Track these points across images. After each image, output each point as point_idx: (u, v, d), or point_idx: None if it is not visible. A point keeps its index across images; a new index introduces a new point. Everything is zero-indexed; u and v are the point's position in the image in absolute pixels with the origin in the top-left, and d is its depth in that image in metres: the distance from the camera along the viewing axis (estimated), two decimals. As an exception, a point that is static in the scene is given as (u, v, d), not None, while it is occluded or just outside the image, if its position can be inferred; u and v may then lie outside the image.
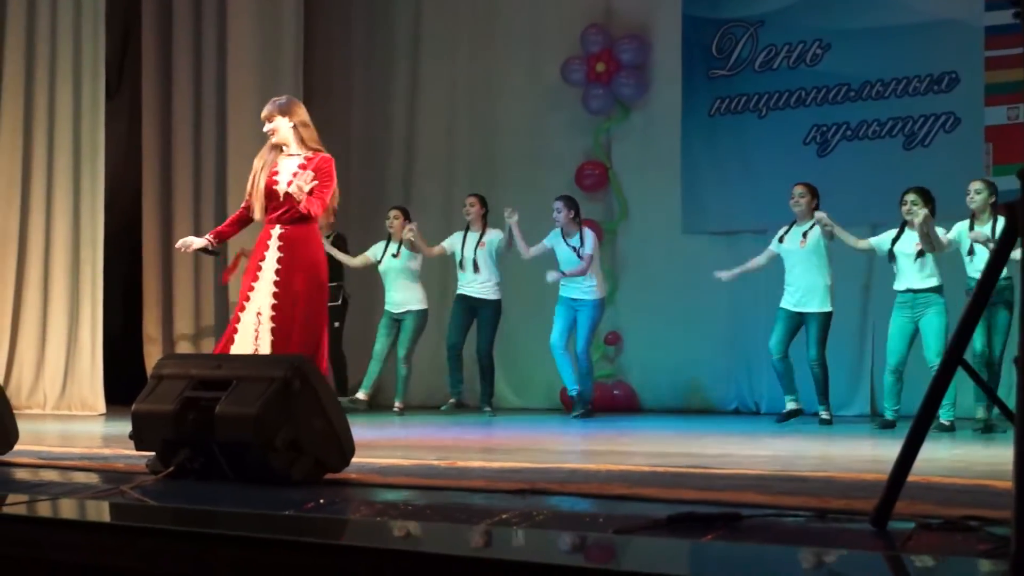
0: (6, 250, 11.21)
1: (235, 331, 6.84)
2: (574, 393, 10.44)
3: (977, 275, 8.58)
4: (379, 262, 11.06)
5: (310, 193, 6.82)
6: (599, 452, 6.89)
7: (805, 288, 9.54)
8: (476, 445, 7.29)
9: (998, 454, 6.30)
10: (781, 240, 9.71)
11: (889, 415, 8.93)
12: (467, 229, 10.91)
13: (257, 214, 7.01)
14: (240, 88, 12.03)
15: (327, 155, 7.08)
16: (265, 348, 6.72)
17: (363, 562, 3.10)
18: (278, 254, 6.86)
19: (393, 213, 11.04)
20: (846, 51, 11.10)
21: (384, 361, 11.02)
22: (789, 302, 9.63)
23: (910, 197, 8.97)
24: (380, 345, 11.02)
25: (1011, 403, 2.78)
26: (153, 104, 12.47)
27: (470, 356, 11.03)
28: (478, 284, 10.81)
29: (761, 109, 11.51)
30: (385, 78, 13.25)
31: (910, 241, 8.97)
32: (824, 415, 9.48)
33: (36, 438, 6.69)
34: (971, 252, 8.74)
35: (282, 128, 7.00)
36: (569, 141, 12.30)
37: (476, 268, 10.75)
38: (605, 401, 11.13)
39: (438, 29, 13.03)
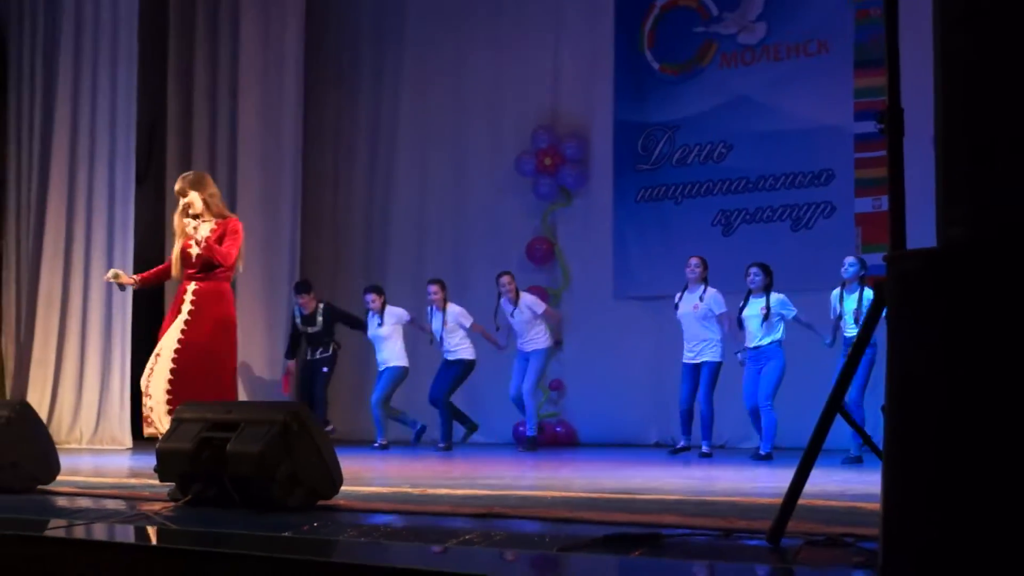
0: (51, 309, 11.21)
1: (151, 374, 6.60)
2: (533, 434, 10.41)
3: (845, 333, 8.74)
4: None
5: (219, 244, 6.62)
6: (545, 481, 6.87)
7: (700, 342, 9.54)
8: (442, 475, 7.26)
9: (869, 480, 6.33)
10: (676, 306, 9.74)
11: (765, 450, 8.93)
12: (432, 311, 10.83)
13: (175, 272, 6.78)
14: (247, 179, 12.08)
15: (234, 217, 6.88)
16: (157, 385, 6.48)
17: (350, 576, 3.09)
18: (190, 307, 6.62)
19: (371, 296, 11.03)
20: (746, 150, 11.22)
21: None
22: (688, 356, 9.63)
23: (753, 269, 9.14)
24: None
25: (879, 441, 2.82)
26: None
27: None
28: (450, 352, 10.76)
29: (677, 197, 11.60)
30: (368, 164, 13.27)
31: (756, 306, 9.07)
32: (705, 449, 9.38)
33: (73, 470, 6.61)
34: (839, 317, 8.86)
35: (196, 201, 6.72)
36: (521, 221, 12.34)
37: (442, 342, 10.74)
38: (549, 437, 11.12)
39: (413, 123, 13.06)
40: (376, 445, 10.70)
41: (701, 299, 9.54)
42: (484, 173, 12.63)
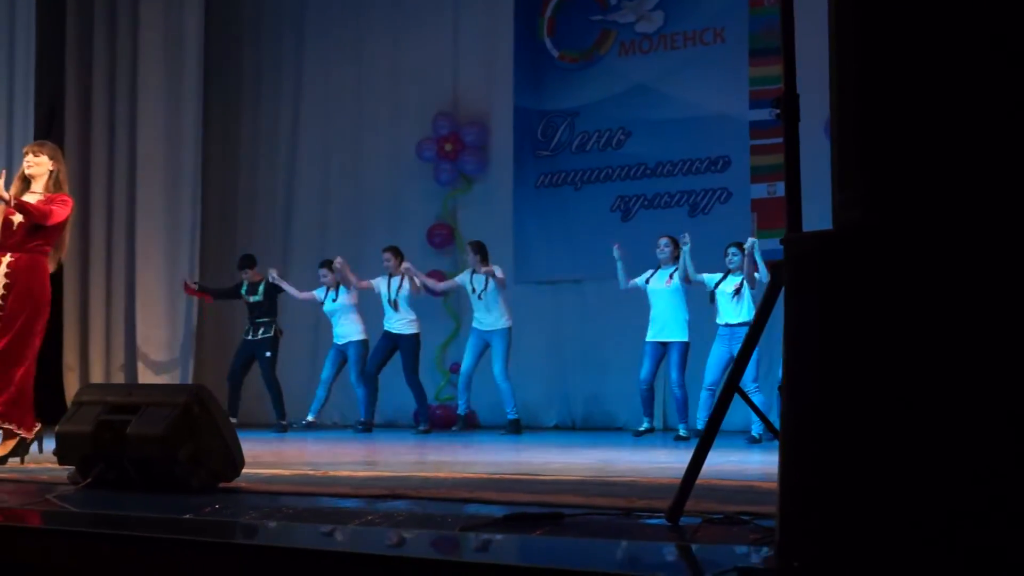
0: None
1: None
2: (513, 416, 10.26)
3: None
4: (322, 303, 10.94)
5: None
6: (446, 462, 6.85)
7: (667, 321, 9.43)
8: (345, 457, 7.21)
9: (764, 460, 6.42)
10: (647, 281, 9.60)
11: (700, 426, 8.78)
12: (389, 276, 10.68)
13: None
14: (148, 161, 11.86)
15: (67, 196, 6.43)
16: None
17: (252, 557, 3.04)
18: (5, 280, 6.23)
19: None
20: (644, 137, 11.26)
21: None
22: (655, 335, 9.47)
23: (731, 249, 9.14)
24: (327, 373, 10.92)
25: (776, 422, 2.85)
26: (74, 170, 12.14)
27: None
28: (398, 322, 10.60)
29: (577, 183, 11.61)
30: (271, 149, 13.10)
31: (731, 284, 9.05)
32: (682, 432, 9.16)
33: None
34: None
35: (43, 165, 6.35)
36: (422, 206, 12.25)
37: (396, 307, 10.56)
38: (449, 420, 11.08)
39: (315, 108, 12.89)
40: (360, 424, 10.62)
41: (672, 276, 9.44)
42: (385, 159, 12.51)
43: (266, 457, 6.65)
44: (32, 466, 5.96)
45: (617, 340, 10.90)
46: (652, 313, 9.53)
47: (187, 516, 3.70)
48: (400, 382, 10.81)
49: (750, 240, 9.07)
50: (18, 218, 6.23)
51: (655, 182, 11.17)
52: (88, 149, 12.11)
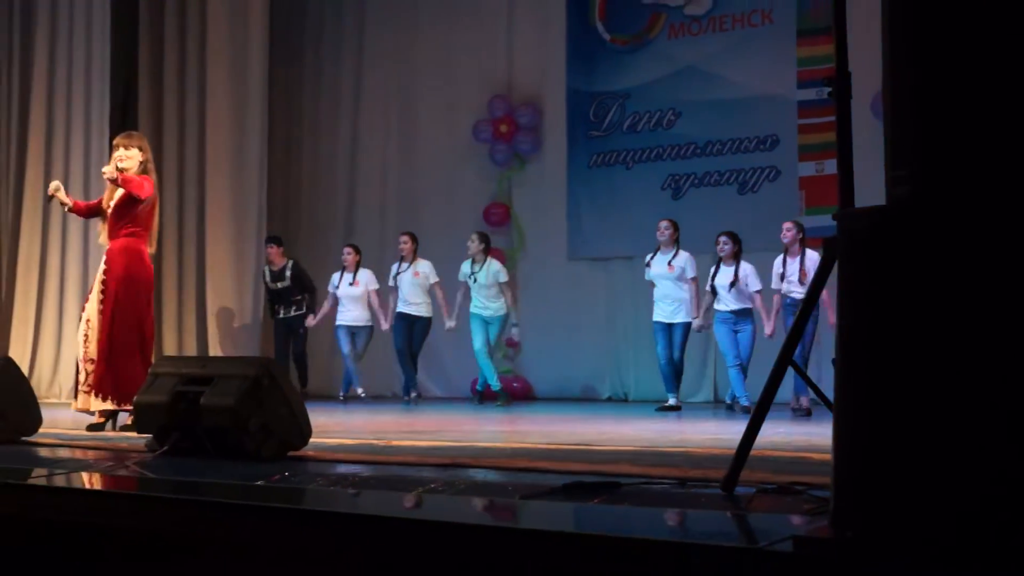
0: (30, 270, 11.26)
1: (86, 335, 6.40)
2: (497, 388, 10.28)
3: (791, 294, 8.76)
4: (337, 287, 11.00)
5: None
6: (504, 433, 6.86)
7: (674, 302, 9.36)
8: (406, 427, 7.23)
9: (816, 431, 6.36)
10: (648, 265, 9.52)
11: (743, 401, 8.79)
12: (401, 261, 10.72)
13: (100, 232, 6.60)
14: (216, 146, 11.95)
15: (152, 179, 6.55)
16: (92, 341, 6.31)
17: (320, 523, 3.05)
18: (104, 266, 6.41)
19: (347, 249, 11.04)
20: (693, 118, 11.18)
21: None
22: (661, 315, 9.40)
23: (722, 238, 9.06)
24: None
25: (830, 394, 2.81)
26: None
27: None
28: (412, 305, 10.62)
29: (628, 162, 11.55)
30: (332, 134, 13.15)
31: (724, 274, 9.01)
32: (672, 402, 9.21)
33: (53, 423, 6.50)
34: (783, 279, 8.85)
35: (134, 158, 6.48)
36: (478, 186, 12.26)
37: (402, 294, 10.58)
38: (507, 392, 11.07)
39: (375, 94, 12.93)
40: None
41: (672, 262, 9.35)
42: (443, 140, 12.51)
43: (332, 427, 6.69)
44: (112, 434, 6.05)
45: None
46: (655, 294, 9.45)
47: (258, 483, 3.73)
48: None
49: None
50: (112, 205, 6.43)
51: (705, 161, 11.10)
52: (160, 140, 12.20)
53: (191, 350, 11.92)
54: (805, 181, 10.51)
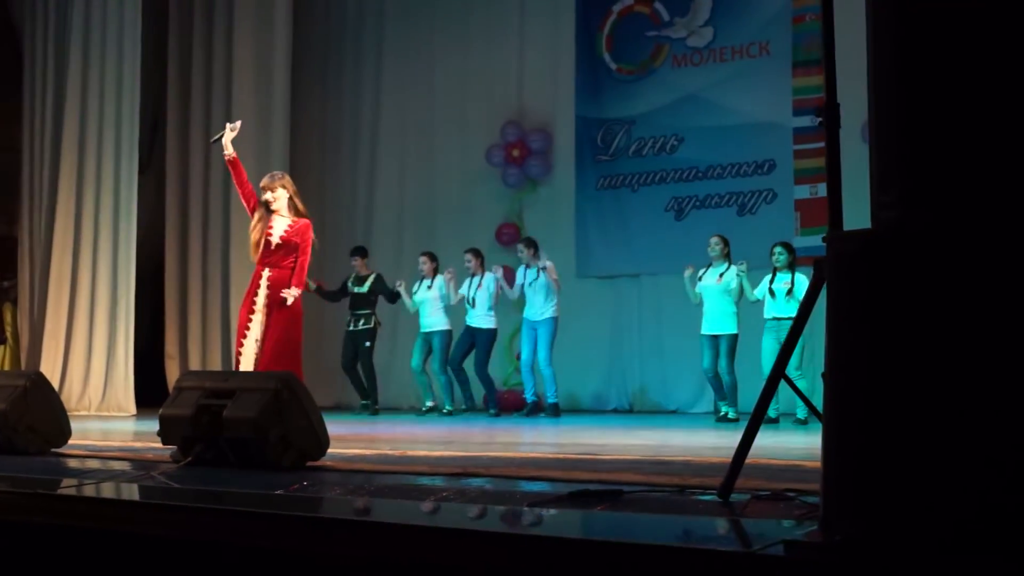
0: (61, 286, 11.19)
1: (240, 354, 6.73)
2: (553, 400, 10.23)
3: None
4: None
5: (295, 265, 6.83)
6: (514, 443, 6.86)
7: (717, 315, 9.22)
8: (421, 438, 7.24)
9: (808, 441, 6.36)
10: (700, 279, 9.37)
11: (772, 413, 8.58)
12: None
13: (252, 254, 6.94)
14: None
15: (307, 220, 7.06)
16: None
17: (337, 530, 3.07)
18: (267, 291, 6.77)
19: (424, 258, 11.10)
20: (695, 143, 11.23)
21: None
22: (709, 328, 9.24)
23: (777, 249, 8.99)
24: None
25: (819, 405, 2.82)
26: (174, 177, 12.43)
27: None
28: (476, 317, 10.65)
29: (634, 185, 11.59)
30: (352, 159, 13.22)
31: (781, 280, 8.90)
32: (731, 415, 9.01)
33: (83, 434, 6.55)
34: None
35: (281, 197, 6.96)
36: (491, 207, 12.30)
37: (474, 304, 10.63)
38: (518, 403, 11.09)
39: (392, 120, 13.01)
40: (445, 411, 10.67)
41: (722, 275, 9.25)
42: (457, 164, 12.58)
43: (349, 438, 6.70)
44: (138, 445, 6.07)
45: (671, 330, 10.88)
46: (704, 307, 9.34)
47: (278, 492, 3.74)
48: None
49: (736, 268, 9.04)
50: (275, 239, 6.84)
51: (706, 184, 11.14)
52: (187, 159, 12.30)
53: (215, 364, 11.96)
54: (800, 203, 10.54)
